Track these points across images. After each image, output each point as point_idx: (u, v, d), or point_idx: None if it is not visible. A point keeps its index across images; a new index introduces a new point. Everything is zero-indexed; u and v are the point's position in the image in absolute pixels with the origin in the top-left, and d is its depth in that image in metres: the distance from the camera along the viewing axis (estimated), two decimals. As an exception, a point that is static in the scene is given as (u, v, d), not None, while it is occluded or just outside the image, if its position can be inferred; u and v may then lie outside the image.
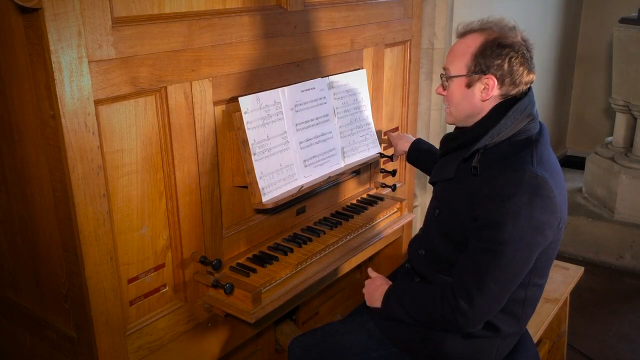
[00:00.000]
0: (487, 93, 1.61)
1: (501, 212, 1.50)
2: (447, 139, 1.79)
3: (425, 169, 2.23)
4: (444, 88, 1.69)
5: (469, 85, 1.62)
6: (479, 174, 1.59)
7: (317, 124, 2.06)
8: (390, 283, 1.82)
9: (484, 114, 1.64)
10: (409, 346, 1.75)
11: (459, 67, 1.63)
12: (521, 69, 1.58)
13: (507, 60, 1.57)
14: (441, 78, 1.70)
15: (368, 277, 1.91)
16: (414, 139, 2.31)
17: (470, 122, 1.68)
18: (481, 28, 1.63)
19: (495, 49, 1.57)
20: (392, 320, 1.76)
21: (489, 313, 1.59)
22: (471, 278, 1.55)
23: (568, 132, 5.72)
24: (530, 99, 1.64)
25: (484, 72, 1.59)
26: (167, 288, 1.73)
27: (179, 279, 1.74)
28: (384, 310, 1.76)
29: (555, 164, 1.62)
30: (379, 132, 2.40)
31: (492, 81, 1.59)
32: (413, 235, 2.90)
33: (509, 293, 1.58)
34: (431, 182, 1.85)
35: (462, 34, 1.66)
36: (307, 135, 2.02)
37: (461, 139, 1.69)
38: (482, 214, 1.55)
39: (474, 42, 1.61)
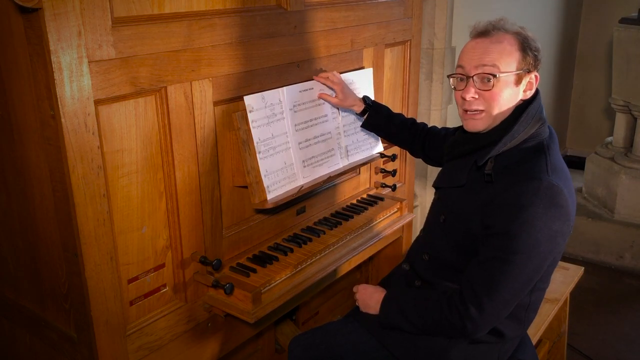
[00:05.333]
0: (530, 90, 1.61)
1: (516, 222, 1.48)
2: (455, 144, 1.75)
3: (385, 135, 2.19)
4: (487, 89, 1.57)
5: (517, 83, 1.58)
6: (493, 182, 1.56)
7: (316, 125, 2.06)
8: (383, 290, 1.80)
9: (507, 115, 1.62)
10: (408, 352, 1.73)
11: (510, 63, 1.56)
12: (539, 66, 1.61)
13: (540, 57, 1.59)
14: (485, 78, 1.56)
15: (362, 281, 1.89)
16: (361, 96, 2.15)
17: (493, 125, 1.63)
18: (504, 28, 1.59)
19: (533, 45, 1.58)
20: (389, 328, 1.74)
21: (497, 319, 1.58)
22: (482, 286, 1.53)
23: (568, 132, 5.72)
24: (539, 102, 1.62)
25: (531, 70, 1.59)
26: (167, 288, 1.73)
27: (179, 279, 1.74)
28: (382, 318, 1.74)
29: (565, 170, 1.60)
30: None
31: (536, 77, 1.60)
32: (413, 236, 2.91)
33: (518, 300, 1.57)
34: (435, 187, 1.81)
35: (485, 33, 1.59)
36: (306, 136, 2.02)
37: (472, 144, 1.65)
38: (496, 223, 1.52)
39: (511, 40, 1.57)
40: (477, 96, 1.59)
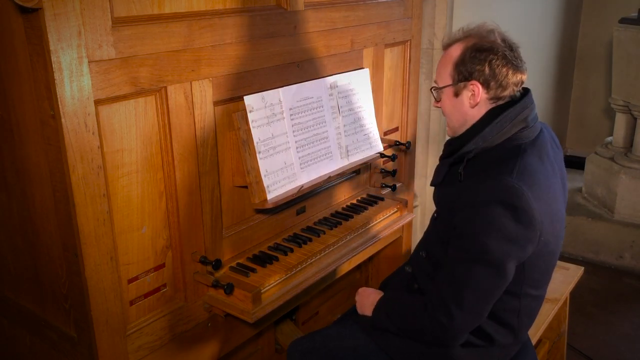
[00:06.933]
0: (474, 99, 1.61)
1: (475, 222, 1.49)
2: (445, 144, 1.79)
3: None
4: (437, 100, 1.71)
5: (456, 94, 1.64)
6: (462, 181, 1.59)
7: (316, 125, 2.06)
8: (381, 293, 1.82)
9: (476, 120, 1.63)
10: (407, 355, 1.74)
11: (444, 77, 1.65)
12: (504, 70, 1.57)
13: (487, 63, 1.56)
14: (431, 91, 1.71)
15: (362, 281, 1.92)
16: None
17: (464, 130, 1.67)
18: (462, 37, 1.63)
19: (475, 54, 1.57)
20: (381, 330, 1.76)
21: (469, 326, 1.58)
22: (448, 291, 1.54)
23: (568, 132, 5.72)
24: (524, 105, 1.61)
25: (467, 79, 1.60)
26: (167, 288, 1.73)
27: (179, 279, 1.74)
28: (373, 320, 1.77)
29: (543, 175, 1.57)
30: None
31: (476, 87, 1.59)
32: (413, 236, 2.91)
33: (488, 305, 1.56)
34: (431, 185, 1.85)
35: (446, 46, 1.67)
36: (306, 136, 2.02)
37: (453, 145, 1.70)
38: (458, 222, 1.54)
39: (455, 52, 1.62)
40: (438, 105, 1.72)
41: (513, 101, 1.62)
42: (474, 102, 1.61)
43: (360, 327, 1.84)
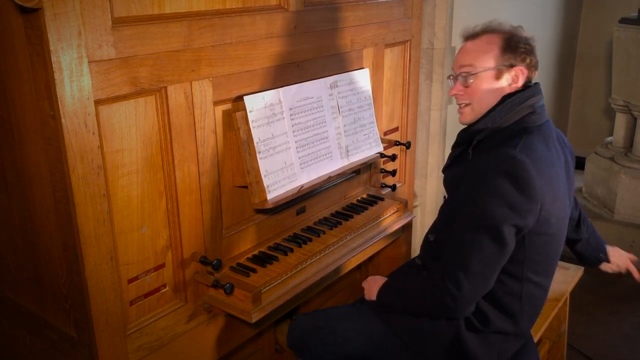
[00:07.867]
0: (516, 83, 1.70)
1: (477, 189, 1.57)
2: (458, 133, 1.86)
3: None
4: (467, 86, 1.73)
5: (498, 77, 1.70)
6: (471, 159, 1.67)
7: (316, 125, 2.06)
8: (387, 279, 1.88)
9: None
10: (416, 338, 1.76)
11: (486, 61, 1.69)
12: (535, 61, 1.71)
13: (529, 52, 1.69)
14: (463, 77, 1.72)
15: (362, 281, 1.97)
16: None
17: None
18: (492, 29, 1.72)
19: (520, 43, 1.68)
20: (386, 308, 1.81)
21: (476, 293, 1.61)
22: (455, 258, 1.59)
23: (568, 132, 5.72)
24: (532, 92, 1.70)
25: (513, 65, 1.68)
26: (167, 288, 1.73)
27: (179, 279, 1.74)
28: (379, 299, 1.81)
29: (546, 157, 1.64)
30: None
31: (521, 71, 1.69)
32: (413, 236, 2.91)
33: (494, 272, 1.60)
34: (443, 172, 1.93)
35: (473, 36, 1.73)
36: (306, 136, 2.02)
37: (463, 133, 1.79)
38: (463, 193, 1.61)
39: (494, 39, 1.70)
40: (462, 92, 1.75)
41: (521, 89, 1.71)
42: (516, 86, 1.70)
43: (370, 311, 1.86)
